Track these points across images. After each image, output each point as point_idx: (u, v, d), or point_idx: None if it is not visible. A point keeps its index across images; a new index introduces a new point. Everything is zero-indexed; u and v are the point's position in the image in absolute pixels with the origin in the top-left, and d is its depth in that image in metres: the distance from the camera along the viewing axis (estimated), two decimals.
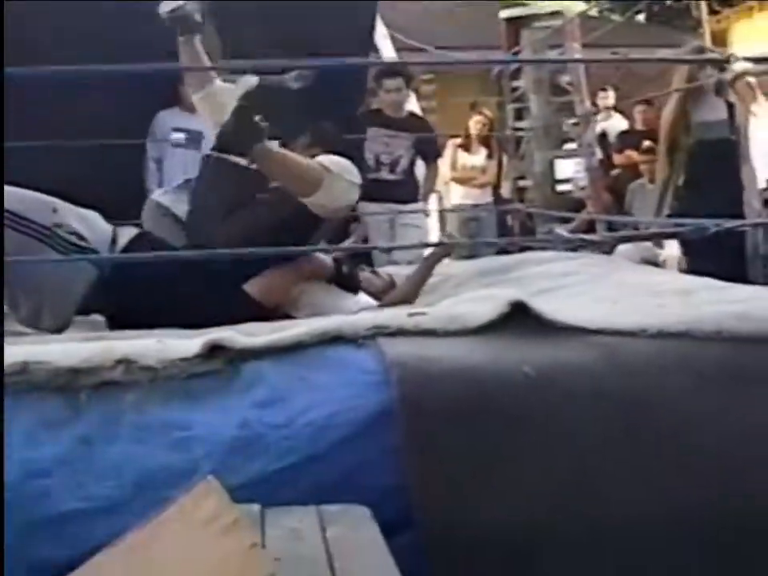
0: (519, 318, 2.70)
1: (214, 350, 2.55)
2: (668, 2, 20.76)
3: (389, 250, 6.43)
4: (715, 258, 5.03)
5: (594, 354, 2.61)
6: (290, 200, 4.25)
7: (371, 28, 7.38)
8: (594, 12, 21.59)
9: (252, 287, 4.25)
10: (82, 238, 4.11)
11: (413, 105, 9.04)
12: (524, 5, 11.00)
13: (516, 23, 8.03)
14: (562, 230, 5.55)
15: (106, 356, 2.55)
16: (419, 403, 2.40)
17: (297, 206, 4.23)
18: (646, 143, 9.25)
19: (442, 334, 2.62)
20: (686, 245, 6.44)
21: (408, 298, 4.57)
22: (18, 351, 2.61)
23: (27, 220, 4.01)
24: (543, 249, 5.81)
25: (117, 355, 2.55)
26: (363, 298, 4.62)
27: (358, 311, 4.24)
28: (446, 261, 5.14)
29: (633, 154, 9.62)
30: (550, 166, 7.74)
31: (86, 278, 4.09)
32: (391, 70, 7.73)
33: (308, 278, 4.42)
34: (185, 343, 2.64)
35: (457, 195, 10.17)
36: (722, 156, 6.28)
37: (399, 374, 2.43)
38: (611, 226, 7.45)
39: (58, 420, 2.48)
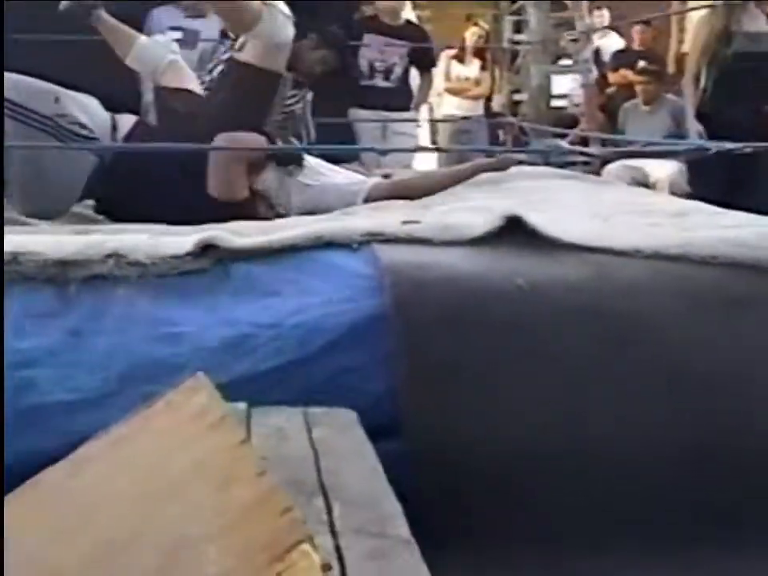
0: (513, 231, 2.68)
1: (206, 248, 2.53)
2: None
3: (383, 153, 6.39)
4: (718, 184, 4.98)
5: (587, 270, 2.60)
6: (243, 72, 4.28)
7: None
8: None
9: (211, 188, 4.23)
10: (83, 126, 4.11)
11: (408, 13, 8.94)
12: None
13: None
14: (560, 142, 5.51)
15: (97, 249, 2.54)
16: (412, 309, 2.39)
17: (253, 74, 4.25)
18: (642, 63, 9.19)
19: (436, 243, 2.61)
20: (690, 168, 6.38)
21: (429, 189, 4.56)
22: (8, 241, 2.59)
23: (29, 110, 4.00)
24: (535, 164, 5.78)
25: (107, 249, 2.54)
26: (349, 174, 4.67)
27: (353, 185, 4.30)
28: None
29: (628, 74, 9.55)
30: (546, 81, 7.67)
31: (88, 166, 4.09)
32: None
33: (252, 162, 4.37)
34: (176, 240, 2.62)
35: (449, 106, 10.10)
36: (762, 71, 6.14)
37: (393, 280, 2.42)
38: (604, 145, 7.42)
39: (46, 311, 2.48)
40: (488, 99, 10.13)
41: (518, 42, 8.05)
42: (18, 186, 3.99)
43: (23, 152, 3.93)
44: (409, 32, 7.69)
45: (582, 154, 4.62)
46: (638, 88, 8.78)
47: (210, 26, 7.05)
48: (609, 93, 9.86)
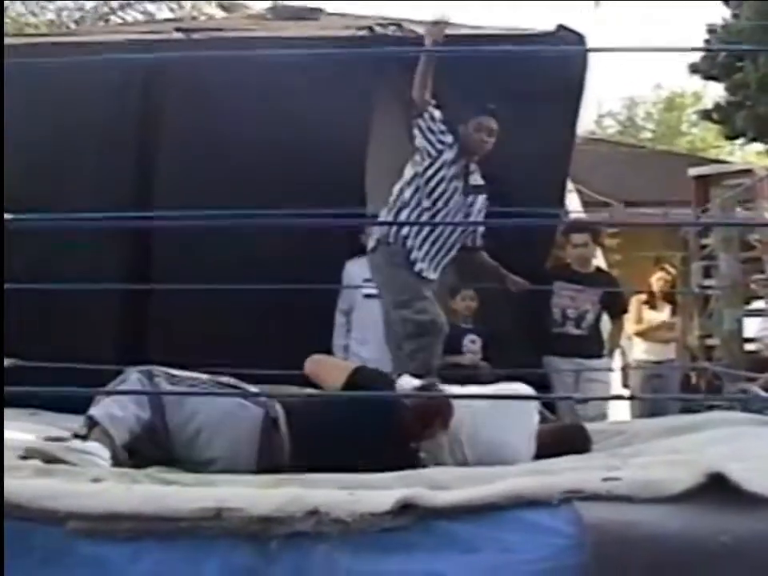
0: (716, 485, 2.63)
1: (406, 506, 2.54)
2: None
3: (578, 401, 6.36)
4: None
5: None
6: None
7: (563, 185, 7.48)
8: None
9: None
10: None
11: (598, 259, 9.02)
12: (717, 161, 10.97)
13: (705, 180, 8.00)
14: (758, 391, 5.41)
15: (299, 506, 2.57)
16: (615, 568, 2.35)
17: None
18: None
19: (637, 501, 2.57)
20: None
21: None
22: (209, 494, 2.65)
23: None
24: (731, 409, 5.68)
25: (309, 506, 2.57)
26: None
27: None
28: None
29: None
30: (738, 325, 7.59)
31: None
32: (578, 226, 7.76)
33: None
34: (376, 496, 2.65)
35: (640, 350, 10.05)
36: None
37: (595, 538, 2.39)
38: None
39: (248, 568, 2.51)
40: (683, 344, 10.04)
41: (708, 287, 8.01)
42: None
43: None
44: (599, 279, 7.72)
45: None
46: None
47: None
48: None
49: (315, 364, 4.78)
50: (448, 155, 6.17)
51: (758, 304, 8.48)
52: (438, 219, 6.17)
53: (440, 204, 6.14)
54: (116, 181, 7.15)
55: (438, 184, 6.14)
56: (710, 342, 8.03)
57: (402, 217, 6.14)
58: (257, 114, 6.95)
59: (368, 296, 7.13)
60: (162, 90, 7.26)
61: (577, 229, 7.64)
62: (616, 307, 7.86)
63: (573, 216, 8.73)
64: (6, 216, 3.45)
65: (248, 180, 6.89)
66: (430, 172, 6.15)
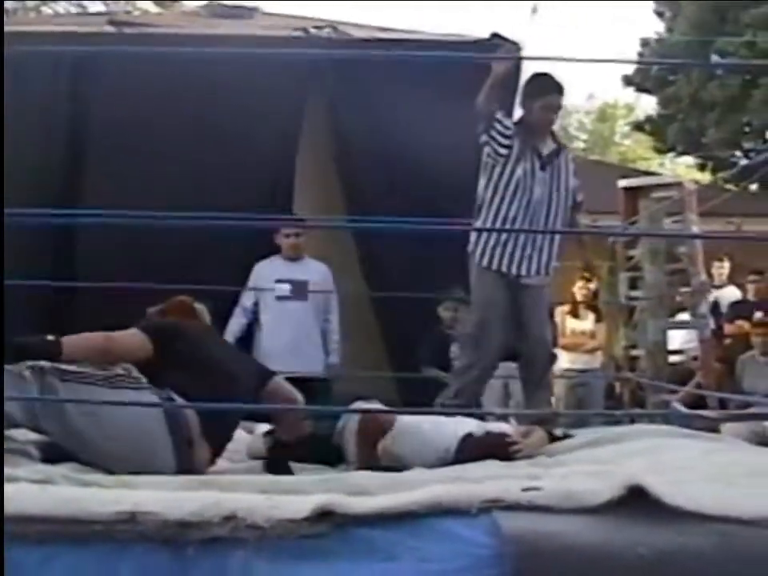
0: (635, 497, 2.63)
1: (324, 513, 2.52)
2: None
3: (503, 416, 6.37)
4: None
5: (712, 540, 2.53)
6: None
7: None
8: (708, 180, 21.72)
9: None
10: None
11: None
12: (648, 173, 11.03)
13: (634, 192, 8.03)
14: (679, 404, 5.46)
15: (216, 511, 2.53)
16: None
17: None
18: (758, 314, 9.12)
19: (557, 511, 2.56)
20: None
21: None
22: (126, 497, 2.61)
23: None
24: (653, 420, 5.72)
25: (226, 511, 2.53)
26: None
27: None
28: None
29: (744, 325, 9.47)
30: (663, 336, 7.65)
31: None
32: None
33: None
34: (294, 502, 2.61)
35: (565, 360, 10.10)
36: None
37: (515, 549, 2.38)
38: (721, 401, 7.32)
39: (165, 573, 2.47)
40: (607, 354, 10.12)
41: (634, 298, 8.06)
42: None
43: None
44: None
45: (699, 415, 4.57)
46: (755, 340, 8.70)
47: (316, 271, 7.27)
48: (726, 344, 9.77)
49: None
50: (515, 145, 6.16)
51: (682, 316, 8.54)
52: (522, 212, 6.16)
53: (521, 196, 6.15)
54: (43, 172, 7.08)
55: (512, 178, 6.15)
56: (634, 352, 8.08)
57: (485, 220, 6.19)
58: (185, 111, 6.92)
59: (280, 298, 7.11)
60: (91, 84, 7.19)
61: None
62: None
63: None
64: None
65: (172, 175, 6.86)
66: (504, 173, 6.15)
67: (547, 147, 6.29)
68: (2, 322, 3.76)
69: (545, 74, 6.20)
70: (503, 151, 6.09)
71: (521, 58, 7.03)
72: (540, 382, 6.25)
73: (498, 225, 6.11)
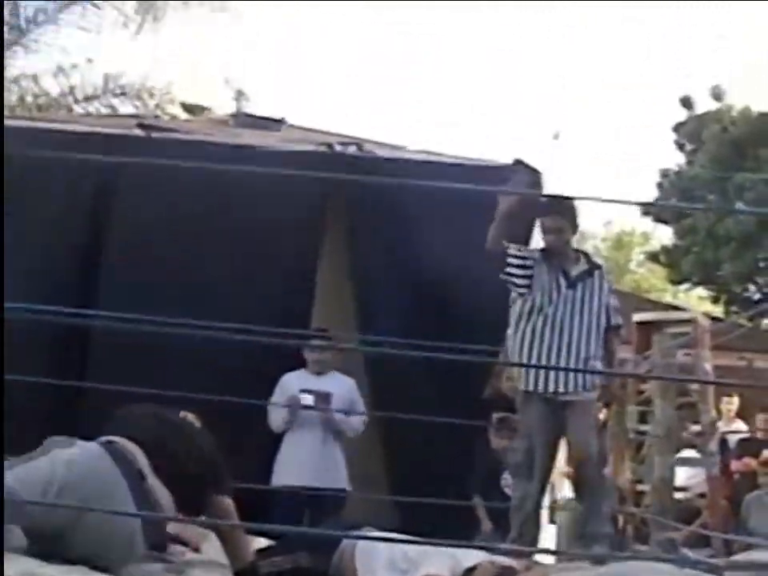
0: None
1: None
2: None
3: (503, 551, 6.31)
4: None
5: None
6: None
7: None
8: (720, 313, 21.74)
9: None
10: None
11: None
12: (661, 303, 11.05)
13: (648, 327, 8.04)
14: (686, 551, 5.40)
15: None
16: None
17: None
18: (766, 452, 9.06)
19: None
20: None
21: None
22: None
23: None
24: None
25: None
26: None
27: None
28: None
29: (751, 462, 9.39)
30: (670, 473, 7.59)
31: None
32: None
33: None
34: None
35: (569, 489, 10.00)
36: None
37: None
38: (726, 542, 7.24)
39: None
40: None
41: (642, 432, 8.01)
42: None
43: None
44: None
45: (703, 562, 4.53)
46: (762, 479, 8.61)
47: (340, 385, 7.26)
48: (733, 481, 9.67)
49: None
50: (537, 271, 6.21)
51: (688, 452, 8.48)
52: (548, 330, 6.20)
53: (544, 315, 6.20)
54: (60, 270, 7.11)
55: (536, 300, 6.21)
56: (640, 487, 8.01)
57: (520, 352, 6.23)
58: (207, 219, 6.97)
59: (304, 407, 7.13)
60: (116, 185, 7.26)
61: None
62: None
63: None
64: None
65: (191, 283, 6.88)
66: (528, 298, 6.22)
67: (577, 267, 6.34)
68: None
69: (546, 197, 6.29)
70: (522, 283, 6.15)
71: (536, 195, 7.09)
72: (590, 503, 6.23)
73: (524, 346, 6.14)
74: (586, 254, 6.55)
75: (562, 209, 6.27)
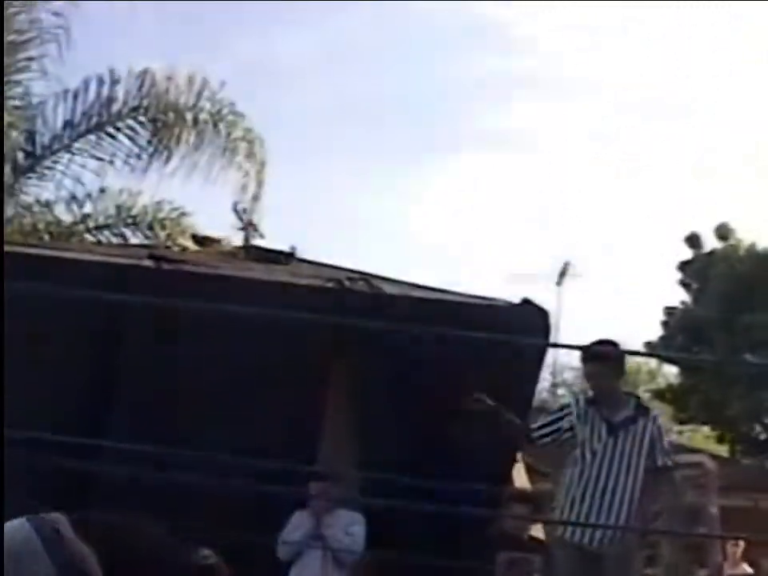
0: None
1: None
2: None
3: None
4: None
5: None
6: None
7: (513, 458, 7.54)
8: (724, 451, 21.61)
9: None
10: None
11: (539, 531, 9.00)
12: None
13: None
14: None
15: None
16: None
17: None
18: None
19: None
20: None
21: None
22: None
23: None
24: None
25: None
26: None
27: None
28: None
29: None
30: None
31: None
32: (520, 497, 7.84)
33: None
34: None
35: None
36: None
37: None
38: None
39: None
40: None
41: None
42: None
43: None
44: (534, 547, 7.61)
45: None
46: None
47: (344, 522, 7.20)
48: None
49: None
50: (583, 419, 6.27)
51: None
52: (585, 480, 6.22)
53: (582, 463, 6.22)
54: (69, 407, 7.08)
55: (576, 449, 6.22)
56: None
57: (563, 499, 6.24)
58: (213, 355, 6.96)
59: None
60: (124, 319, 7.26)
61: (517, 500, 7.62)
62: None
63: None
64: None
65: (196, 423, 6.87)
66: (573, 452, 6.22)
67: (622, 413, 6.32)
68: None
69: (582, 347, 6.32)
70: (566, 437, 6.18)
71: (547, 345, 7.15)
72: None
73: (563, 493, 6.12)
74: (637, 398, 6.55)
75: (600, 354, 6.28)
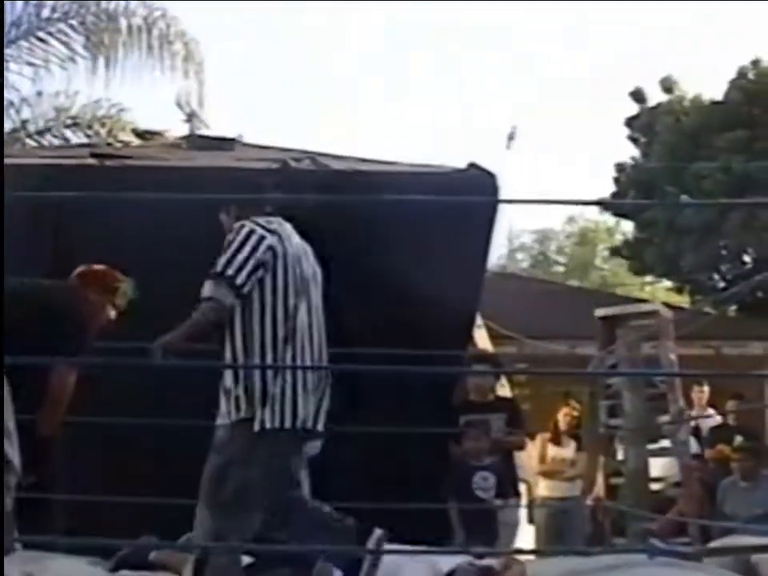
0: None
1: None
2: (760, 294, 20.94)
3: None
4: None
5: None
6: None
7: (471, 321, 7.57)
8: (686, 303, 21.87)
9: None
10: None
11: (505, 389, 9.14)
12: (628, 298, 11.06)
13: (611, 321, 8.09)
14: (656, 541, 5.43)
15: None
16: None
17: None
18: (739, 439, 9.13)
19: None
20: None
21: None
22: None
23: None
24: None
25: None
26: None
27: None
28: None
29: (725, 449, 9.43)
30: (644, 464, 7.64)
31: None
32: (481, 357, 7.87)
33: None
34: None
35: (545, 487, 10.03)
36: None
37: None
38: (703, 529, 7.29)
39: None
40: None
41: (614, 427, 8.06)
42: None
43: None
44: (500, 406, 7.66)
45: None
46: (735, 465, 8.64)
47: None
48: (707, 469, 9.71)
49: None
50: None
51: (664, 442, 8.54)
52: None
53: None
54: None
55: None
56: (615, 480, 8.07)
57: None
58: (165, 252, 6.89)
59: None
60: (73, 220, 7.17)
61: (479, 360, 7.68)
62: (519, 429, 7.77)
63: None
64: None
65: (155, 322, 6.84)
66: None
67: None
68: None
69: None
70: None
71: (498, 201, 7.13)
72: None
73: None
74: None
75: None
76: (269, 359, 4.90)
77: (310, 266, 5.20)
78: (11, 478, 4.30)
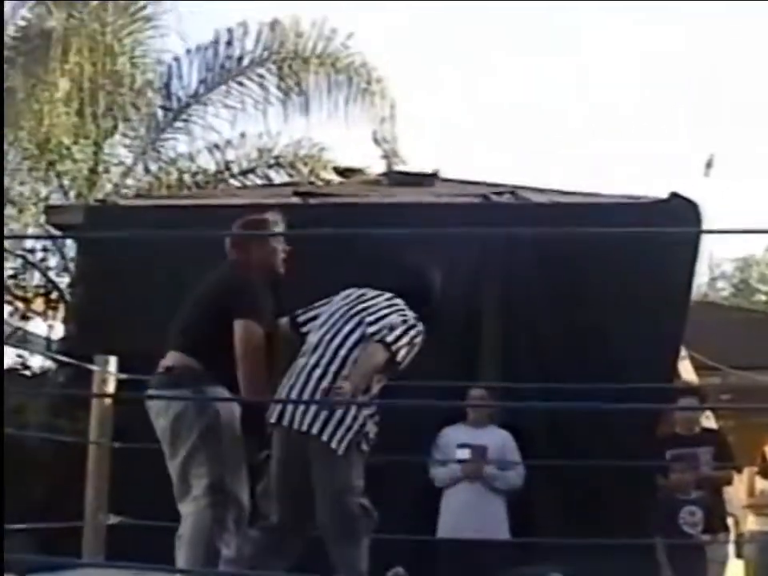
0: None
1: None
2: None
3: None
4: None
5: None
6: None
7: (676, 353, 7.50)
8: None
9: None
10: None
11: (710, 422, 8.96)
12: None
13: None
14: None
15: None
16: None
17: None
18: None
19: None
20: None
21: None
22: None
23: None
24: None
25: None
26: None
27: None
28: None
29: None
30: None
31: None
32: (687, 390, 7.77)
33: None
34: None
35: (753, 521, 9.75)
36: None
37: None
38: None
39: None
40: None
41: None
42: None
43: None
44: (707, 439, 7.54)
45: None
46: None
47: (496, 439, 7.24)
48: None
49: None
50: None
51: None
52: None
53: None
54: None
55: None
56: None
57: None
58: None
59: (460, 461, 7.13)
60: None
61: (684, 392, 7.59)
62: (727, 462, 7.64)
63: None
64: None
65: None
66: None
67: None
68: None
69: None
70: None
71: (700, 232, 7.03)
72: None
73: None
74: None
75: None
76: None
77: None
78: None
